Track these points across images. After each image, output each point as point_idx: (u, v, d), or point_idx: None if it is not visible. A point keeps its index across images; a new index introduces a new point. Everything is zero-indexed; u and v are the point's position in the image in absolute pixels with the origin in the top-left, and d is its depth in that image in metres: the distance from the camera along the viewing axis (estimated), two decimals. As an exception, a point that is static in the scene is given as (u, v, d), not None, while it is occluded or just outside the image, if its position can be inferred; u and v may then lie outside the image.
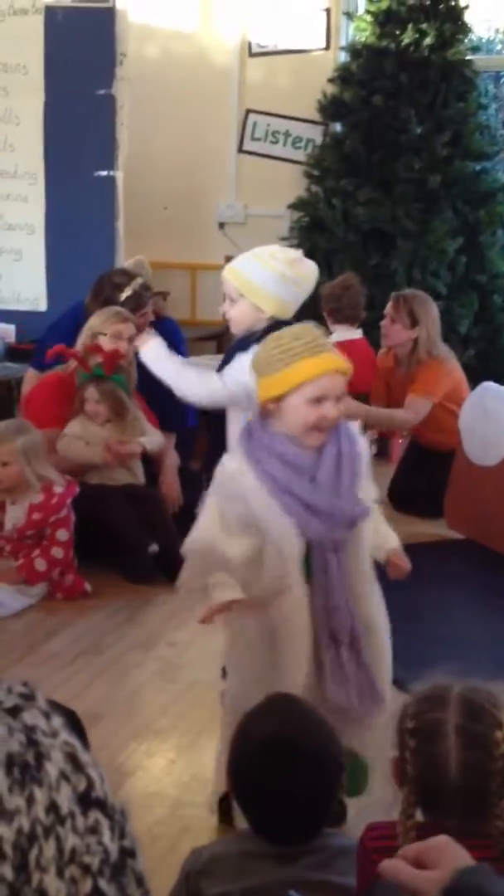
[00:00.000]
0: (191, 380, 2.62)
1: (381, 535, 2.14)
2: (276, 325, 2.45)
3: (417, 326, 4.29)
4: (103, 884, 0.58)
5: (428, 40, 5.33)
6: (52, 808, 0.58)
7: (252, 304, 2.48)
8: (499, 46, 6.83)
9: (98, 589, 3.44)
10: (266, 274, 2.47)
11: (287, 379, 1.96)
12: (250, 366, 2.08)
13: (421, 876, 0.99)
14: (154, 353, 2.71)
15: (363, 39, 5.52)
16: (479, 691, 1.39)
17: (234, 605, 1.97)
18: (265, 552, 1.98)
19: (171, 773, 2.39)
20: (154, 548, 3.55)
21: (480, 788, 1.34)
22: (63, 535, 3.39)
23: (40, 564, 3.34)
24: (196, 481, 4.02)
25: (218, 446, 2.48)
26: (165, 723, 2.61)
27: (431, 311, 4.36)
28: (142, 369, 3.97)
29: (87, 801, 0.60)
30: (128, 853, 0.61)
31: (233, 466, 2.01)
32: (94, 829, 0.59)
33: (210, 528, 2.03)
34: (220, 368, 2.58)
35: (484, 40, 6.52)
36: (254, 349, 2.31)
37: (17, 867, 0.55)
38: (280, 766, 1.48)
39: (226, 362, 2.57)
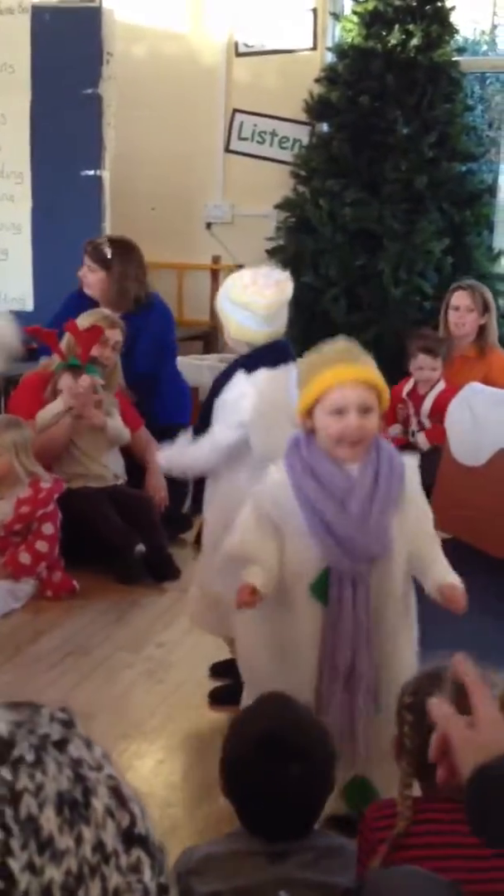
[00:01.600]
0: (201, 457, 2.59)
1: (436, 570, 2.05)
2: (258, 353, 2.50)
3: (488, 313, 4.53)
4: None
5: (414, 41, 5.34)
6: (99, 846, 0.57)
7: (225, 329, 2.58)
8: (484, 48, 6.85)
9: (86, 590, 3.44)
10: (221, 297, 2.56)
11: (310, 392, 1.99)
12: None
13: (462, 731, 0.98)
14: (169, 462, 2.70)
15: (350, 40, 5.53)
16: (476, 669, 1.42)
17: (252, 592, 1.96)
18: (287, 561, 1.99)
19: (160, 774, 2.39)
20: (141, 549, 3.55)
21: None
22: (48, 528, 3.40)
23: (25, 558, 3.35)
24: (182, 484, 4.05)
25: None
26: (154, 723, 2.61)
27: (493, 301, 4.62)
28: (131, 370, 4.00)
29: (130, 837, 0.59)
30: (163, 890, 0.60)
31: (276, 477, 2.02)
32: (135, 868, 0.58)
33: (247, 531, 2.04)
34: (221, 381, 2.59)
35: (470, 41, 6.54)
36: (238, 376, 2.44)
37: None
38: (272, 762, 1.49)
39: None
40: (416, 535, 2.05)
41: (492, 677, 1.44)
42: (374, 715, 1.98)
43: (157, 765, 2.43)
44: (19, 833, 0.54)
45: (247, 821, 1.54)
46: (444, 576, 2.03)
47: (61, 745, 0.60)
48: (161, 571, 3.53)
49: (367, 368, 2.01)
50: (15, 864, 0.53)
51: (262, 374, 2.44)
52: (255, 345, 2.50)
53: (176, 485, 4.00)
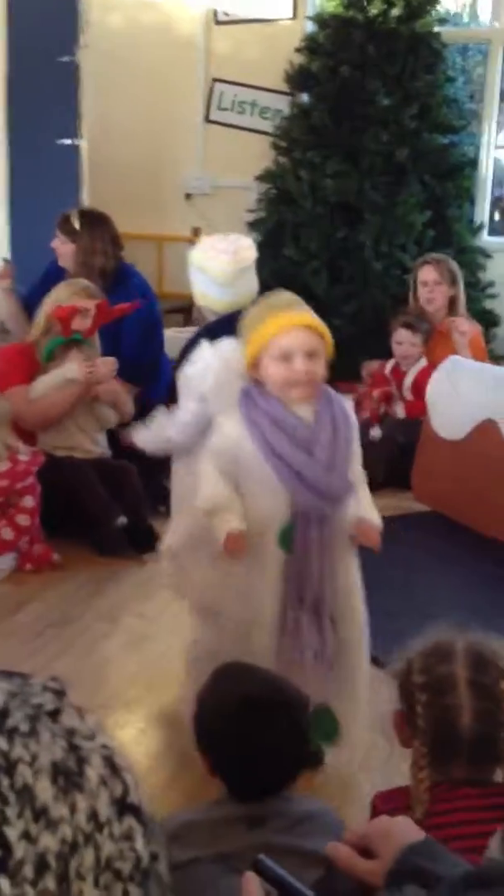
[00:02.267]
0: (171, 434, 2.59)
1: (361, 505, 2.15)
2: (218, 319, 2.51)
3: (456, 285, 4.53)
4: (133, 889, 0.58)
5: (395, 11, 5.30)
6: (93, 815, 0.57)
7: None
8: (466, 19, 6.81)
9: (66, 562, 3.43)
10: (191, 266, 2.58)
11: (255, 341, 2.04)
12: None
13: (365, 866, 0.98)
14: (144, 443, 2.69)
15: (330, 9, 5.48)
16: (482, 644, 1.43)
17: (241, 538, 2.00)
18: (249, 513, 2.03)
19: (141, 743, 2.40)
20: (122, 520, 3.55)
21: (491, 737, 1.39)
22: (28, 501, 3.38)
23: (7, 533, 3.33)
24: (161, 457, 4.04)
25: None
26: (134, 693, 2.62)
27: (459, 271, 4.62)
28: (120, 334, 3.97)
29: (122, 806, 0.60)
30: (154, 857, 0.61)
31: (232, 434, 2.05)
32: (128, 836, 0.59)
33: (215, 483, 2.06)
34: (186, 352, 2.58)
35: (452, 13, 6.50)
36: (188, 363, 2.42)
37: (58, 877, 0.55)
38: (250, 716, 1.52)
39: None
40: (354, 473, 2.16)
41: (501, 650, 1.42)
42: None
43: (138, 734, 2.44)
44: (15, 802, 0.55)
45: (235, 785, 1.55)
46: (367, 512, 2.15)
47: (54, 714, 0.61)
48: (141, 542, 3.52)
49: (310, 314, 2.08)
50: (12, 833, 0.54)
51: (225, 344, 2.37)
52: (219, 313, 2.51)
53: (156, 457, 4.00)
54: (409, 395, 4.51)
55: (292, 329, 2.02)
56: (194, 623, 2.32)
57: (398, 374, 4.57)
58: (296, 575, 2.07)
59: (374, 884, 0.97)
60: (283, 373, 2.01)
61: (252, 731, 1.51)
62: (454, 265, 4.61)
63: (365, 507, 2.15)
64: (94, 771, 0.59)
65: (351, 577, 2.18)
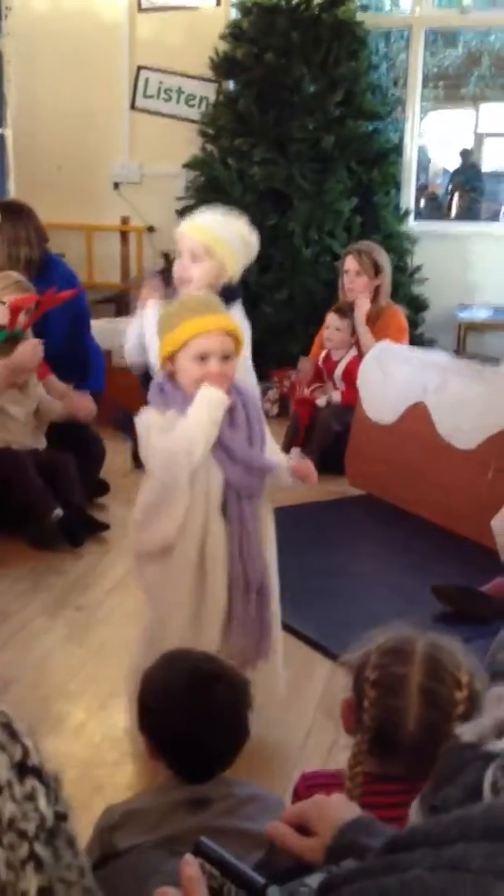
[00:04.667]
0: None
1: (282, 459, 2.27)
2: (229, 287, 2.57)
3: (380, 275, 4.52)
4: (39, 848, 0.59)
5: (318, -2, 5.32)
6: None
7: (219, 263, 2.56)
8: (388, 6, 6.87)
9: (1, 557, 3.41)
10: (230, 234, 2.58)
11: (173, 339, 2.12)
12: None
13: (303, 843, 1.01)
14: (154, 310, 2.67)
15: (254, -4, 5.48)
16: (443, 650, 1.42)
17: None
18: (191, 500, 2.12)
19: (82, 735, 2.41)
20: (59, 513, 3.53)
21: (433, 746, 1.37)
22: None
23: None
24: (97, 446, 4.03)
25: None
26: (75, 686, 2.62)
27: (386, 261, 4.61)
28: (46, 330, 3.93)
29: (23, 769, 0.61)
30: (61, 817, 0.62)
31: (158, 420, 2.13)
32: (30, 796, 0.60)
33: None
34: None
35: (374, -1, 6.55)
36: (230, 308, 2.42)
37: None
38: (200, 692, 1.54)
39: None
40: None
41: (461, 658, 1.43)
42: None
43: (79, 726, 2.45)
44: None
45: (176, 761, 1.57)
46: (290, 459, 2.27)
47: None
48: (77, 535, 3.52)
49: (227, 318, 2.18)
50: None
51: (237, 308, 2.55)
52: (230, 285, 2.60)
53: (92, 447, 3.98)
54: (340, 385, 4.57)
55: (210, 333, 2.10)
56: (144, 609, 2.33)
57: (330, 363, 4.62)
58: (237, 558, 2.15)
59: (313, 860, 1.00)
60: (199, 372, 2.11)
61: (196, 704, 1.54)
62: (379, 255, 4.59)
63: (286, 458, 2.29)
64: None
65: (273, 551, 2.31)
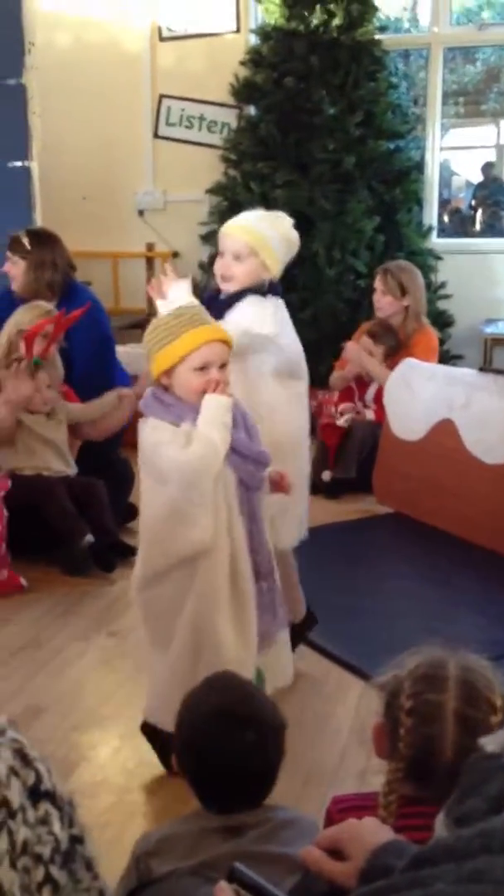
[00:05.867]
0: None
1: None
2: (273, 284, 2.63)
3: (407, 295, 4.52)
4: (55, 871, 0.60)
5: (336, 21, 5.37)
6: (4, 803, 0.60)
7: (261, 263, 2.60)
8: (406, 24, 6.91)
9: (34, 584, 3.44)
10: (274, 234, 2.62)
11: (173, 352, 2.16)
12: (145, 344, 2.24)
13: (336, 868, 1.01)
14: (184, 291, 2.69)
15: (273, 22, 5.55)
16: (476, 672, 1.42)
17: None
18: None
19: (117, 762, 2.42)
20: (90, 539, 3.56)
21: None
22: (-6, 526, 3.39)
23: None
24: (125, 468, 4.05)
25: None
26: (108, 712, 2.64)
27: (417, 280, 4.62)
28: (71, 355, 3.98)
29: (36, 793, 0.62)
30: (77, 840, 0.64)
31: (173, 434, 2.16)
32: (44, 820, 0.62)
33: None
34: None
35: (392, 19, 6.59)
36: (252, 299, 2.55)
37: None
38: (227, 732, 1.53)
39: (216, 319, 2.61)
40: None
41: (495, 681, 1.42)
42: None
43: (114, 753, 2.46)
44: None
45: (203, 795, 1.58)
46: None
47: None
48: (109, 561, 3.54)
49: (220, 327, 2.25)
50: None
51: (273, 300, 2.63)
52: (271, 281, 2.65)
53: (121, 472, 4.02)
54: (371, 405, 4.58)
55: (210, 343, 2.16)
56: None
57: (362, 384, 4.63)
58: (249, 549, 2.23)
59: (346, 885, 1.00)
60: (199, 381, 2.16)
61: (222, 747, 1.53)
62: (407, 275, 4.57)
63: None
64: (2, 763, 0.62)
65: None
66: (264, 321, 2.58)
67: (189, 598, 2.19)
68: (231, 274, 2.62)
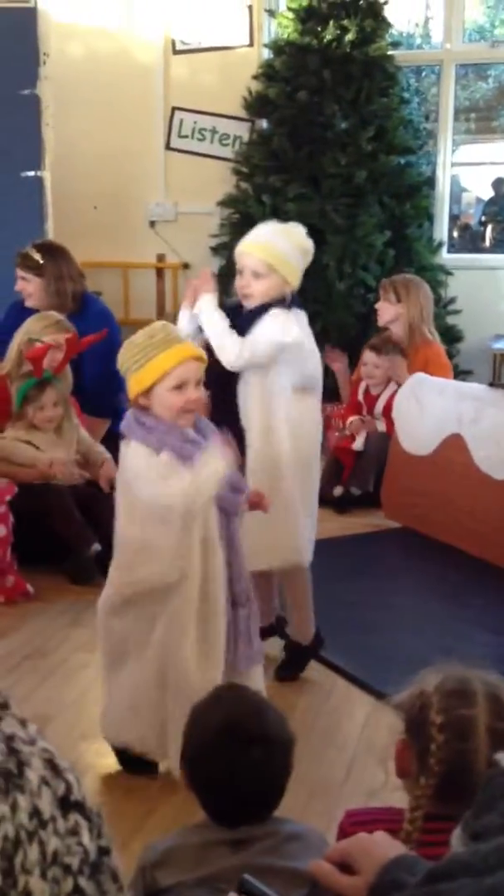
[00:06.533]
0: (231, 340, 2.64)
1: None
2: (294, 296, 2.66)
3: (403, 302, 4.50)
4: (83, 882, 0.60)
5: (349, 36, 5.39)
6: (35, 813, 0.60)
7: (281, 278, 2.62)
8: (419, 40, 6.94)
9: (41, 592, 3.44)
10: (290, 247, 2.64)
11: (149, 373, 2.18)
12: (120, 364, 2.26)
13: (346, 882, 1.01)
14: (211, 304, 2.69)
15: (286, 36, 5.57)
16: (500, 688, 1.42)
17: None
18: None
19: (122, 771, 2.40)
20: (97, 547, 3.56)
21: None
22: (0, 531, 3.38)
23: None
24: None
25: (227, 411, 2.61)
26: (114, 722, 2.63)
27: (419, 290, 4.58)
28: (82, 367, 3.98)
29: (66, 804, 0.62)
30: (104, 852, 0.63)
31: (152, 463, 2.16)
32: (73, 831, 0.62)
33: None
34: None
35: (404, 35, 6.62)
36: (276, 312, 2.57)
37: (4, 872, 0.58)
38: (234, 748, 1.52)
39: (241, 333, 2.62)
40: None
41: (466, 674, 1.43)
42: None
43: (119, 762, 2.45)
44: None
45: (210, 809, 1.57)
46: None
47: None
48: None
49: (194, 345, 2.28)
50: None
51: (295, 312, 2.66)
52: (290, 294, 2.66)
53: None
54: (381, 419, 4.57)
55: (185, 361, 2.18)
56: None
57: (370, 398, 4.63)
58: (229, 573, 2.23)
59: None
60: (178, 399, 2.18)
61: (230, 762, 1.52)
62: (403, 283, 4.56)
63: None
64: (34, 773, 0.62)
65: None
66: (290, 331, 2.60)
67: (158, 624, 2.21)
68: (251, 292, 2.64)
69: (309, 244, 2.70)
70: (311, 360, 2.69)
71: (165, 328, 2.26)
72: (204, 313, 2.66)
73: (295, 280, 2.65)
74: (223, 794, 1.55)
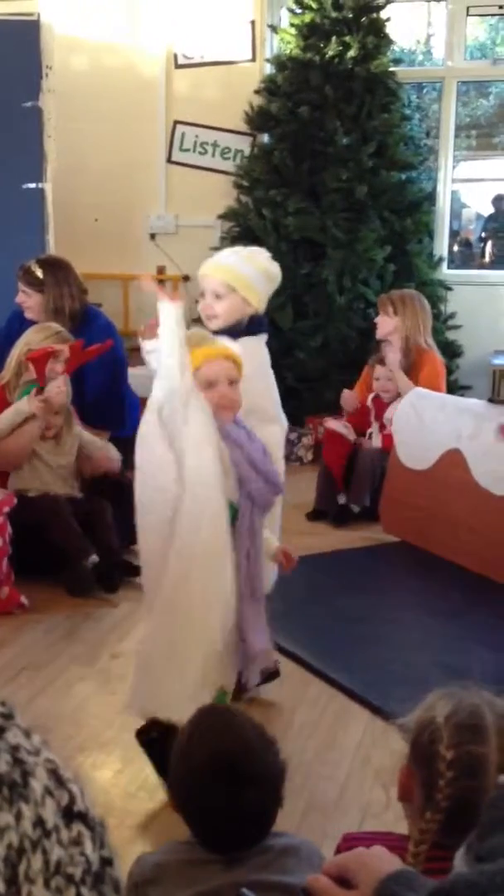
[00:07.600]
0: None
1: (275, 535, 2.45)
2: (257, 318, 2.68)
3: (399, 315, 4.52)
4: (85, 892, 0.61)
5: (351, 52, 5.42)
6: (39, 822, 0.61)
7: (241, 298, 2.66)
8: (420, 57, 6.98)
9: (38, 604, 3.42)
10: (252, 270, 2.68)
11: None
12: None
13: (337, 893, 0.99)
14: (177, 316, 2.46)
15: (288, 52, 5.60)
16: None
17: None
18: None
19: (118, 785, 2.40)
20: (94, 559, 3.55)
21: None
22: (-3, 542, 3.38)
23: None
24: (131, 489, 4.04)
25: None
26: (111, 735, 2.62)
27: (416, 304, 4.60)
28: (84, 379, 3.98)
29: (70, 814, 0.63)
30: (107, 862, 0.64)
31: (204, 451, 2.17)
32: (77, 841, 0.62)
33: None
34: None
35: (406, 51, 6.65)
36: (243, 340, 2.53)
37: (7, 881, 0.58)
38: (224, 784, 1.49)
39: None
40: None
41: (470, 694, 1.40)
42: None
43: (115, 775, 2.44)
44: None
45: (199, 836, 1.55)
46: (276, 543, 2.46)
47: (0, 732, 0.64)
48: (113, 579, 3.53)
49: (226, 346, 2.29)
50: None
51: (253, 339, 2.66)
52: (256, 316, 2.69)
53: (127, 494, 4.00)
54: (389, 425, 4.56)
55: (216, 359, 2.22)
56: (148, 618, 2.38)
57: (380, 403, 4.60)
58: (245, 568, 2.23)
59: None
60: (213, 398, 2.19)
61: (217, 794, 1.49)
62: (399, 297, 4.57)
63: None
64: (38, 783, 0.62)
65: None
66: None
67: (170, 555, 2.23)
68: (213, 312, 2.70)
69: (274, 268, 2.74)
70: (264, 392, 2.70)
71: (202, 332, 2.32)
72: (169, 319, 2.69)
73: (256, 300, 2.68)
74: (212, 827, 1.53)
